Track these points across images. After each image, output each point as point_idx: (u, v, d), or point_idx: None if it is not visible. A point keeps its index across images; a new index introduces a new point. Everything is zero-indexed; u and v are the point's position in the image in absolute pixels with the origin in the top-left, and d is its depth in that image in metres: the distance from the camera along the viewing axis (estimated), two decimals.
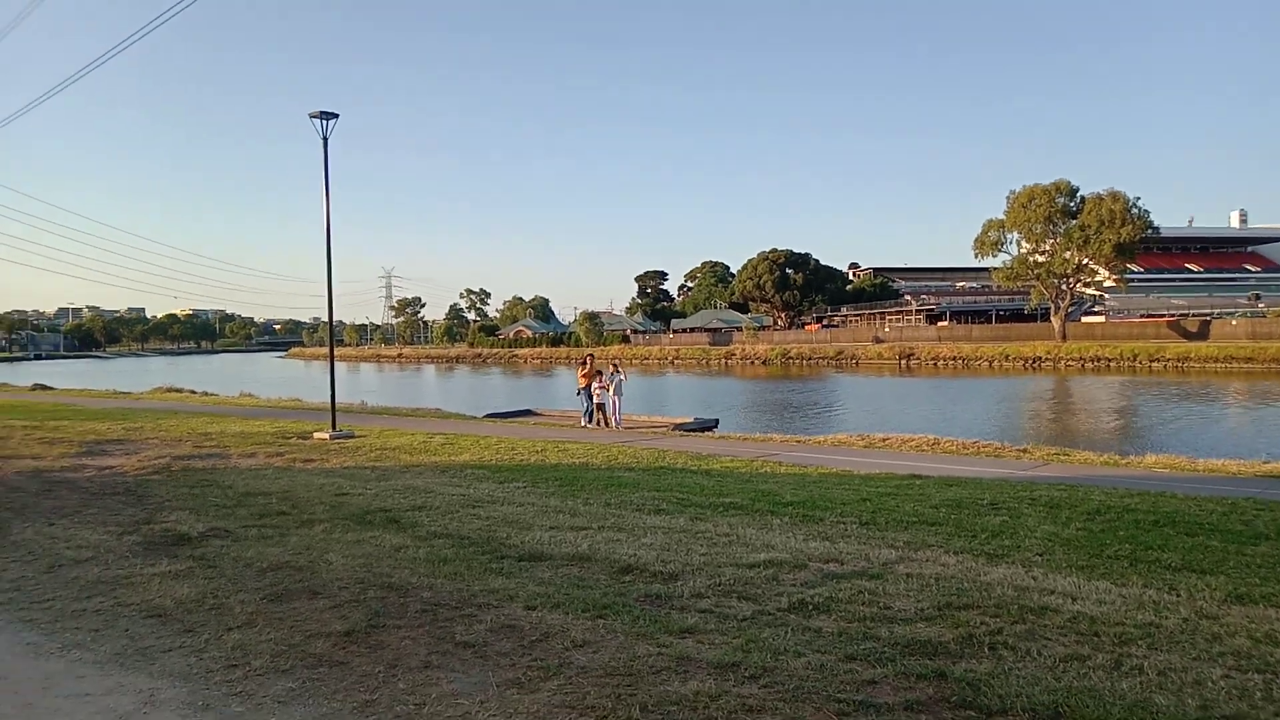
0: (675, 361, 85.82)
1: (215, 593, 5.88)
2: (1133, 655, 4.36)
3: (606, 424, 20.80)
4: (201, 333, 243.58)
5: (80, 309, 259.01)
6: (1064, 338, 66.61)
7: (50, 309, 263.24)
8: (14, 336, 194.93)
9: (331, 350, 21.83)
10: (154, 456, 13.50)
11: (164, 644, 4.91)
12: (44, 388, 42.81)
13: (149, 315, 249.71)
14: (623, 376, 21.69)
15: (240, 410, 25.30)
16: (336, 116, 17.60)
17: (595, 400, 21.20)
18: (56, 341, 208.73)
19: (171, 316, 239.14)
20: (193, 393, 36.24)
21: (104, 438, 16.25)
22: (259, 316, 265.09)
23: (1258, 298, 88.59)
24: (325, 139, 17.62)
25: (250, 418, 21.92)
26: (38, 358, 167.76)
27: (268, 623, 5.21)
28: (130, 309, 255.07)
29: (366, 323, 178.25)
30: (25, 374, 73.33)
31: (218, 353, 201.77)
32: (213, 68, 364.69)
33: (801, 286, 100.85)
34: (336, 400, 19.50)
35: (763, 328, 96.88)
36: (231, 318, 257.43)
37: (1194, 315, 74.02)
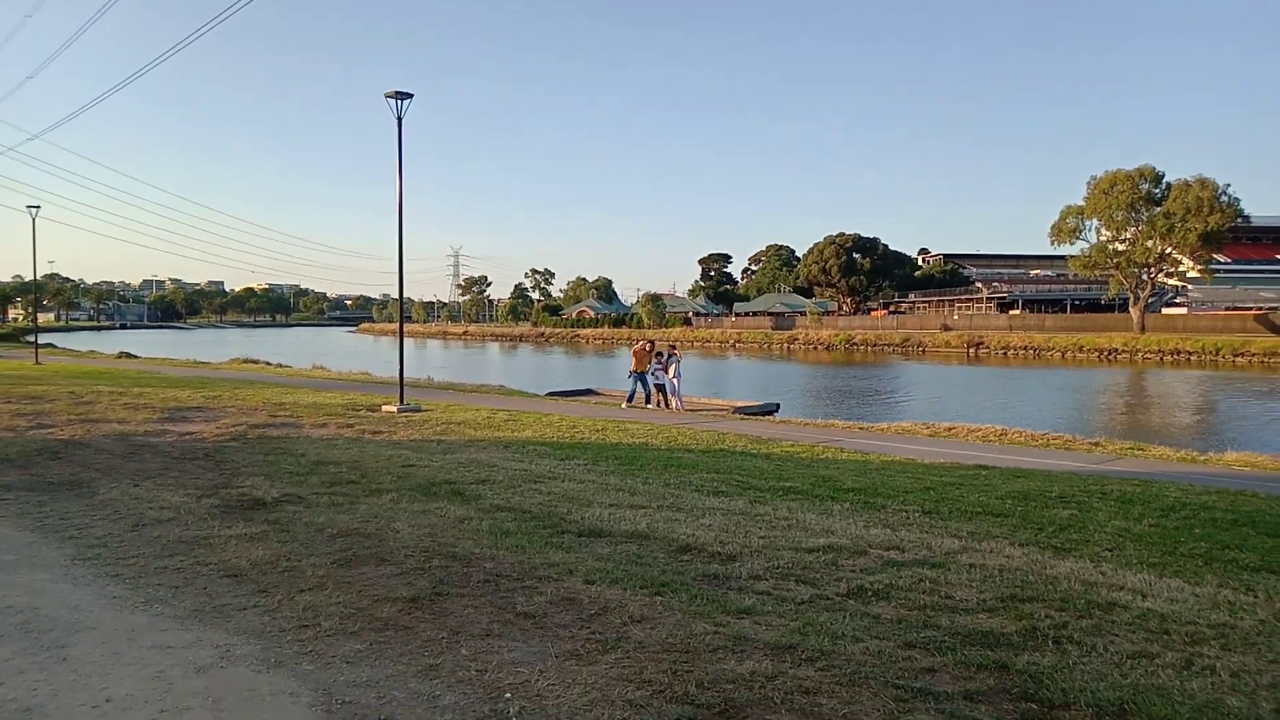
0: (736, 345, 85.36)
1: (288, 556, 6.10)
2: (1204, 655, 4.23)
3: (667, 405, 20.79)
4: (277, 306, 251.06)
5: (163, 281, 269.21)
6: (1142, 329, 64.30)
7: (135, 281, 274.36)
8: (101, 306, 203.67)
9: (401, 326, 22.30)
10: (231, 424, 14.01)
11: (239, 603, 5.12)
12: (129, 356, 44.72)
13: (227, 289, 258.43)
14: (679, 358, 21.61)
15: (312, 382, 26.05)
16: (411, 96, 17.86)
17: (654, 381, 21.18)
18: (140, 312, 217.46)
19: (249, 290, 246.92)
20: (268, 364, 37.43)
21: (184, 405, 16.90)
22: (331, 292, 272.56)
23: None
24: (400, 119, 17.91)
25: (322, 389, 22.55)
26: (123, 327, 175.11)
27: (337, 586, 5.39)
28: (210, 282, 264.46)
29: (434, 300, 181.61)
30: (111, 342, 76.64)
31: (291, 326, 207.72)
32: (295, 39, 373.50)
33: (868, 271, 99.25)
34: (404, 375, 19.94)
35: (827, 313, 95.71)
36: (305, 293, 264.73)
37: None
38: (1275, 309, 71.59)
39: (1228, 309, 77.07)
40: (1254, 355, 53.57)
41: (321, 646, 4.41)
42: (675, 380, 20.95)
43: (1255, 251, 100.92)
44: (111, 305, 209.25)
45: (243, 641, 4.50)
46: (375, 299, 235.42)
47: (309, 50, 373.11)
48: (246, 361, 39.07)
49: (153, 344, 76.90)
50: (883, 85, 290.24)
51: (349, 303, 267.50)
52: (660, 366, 21.11)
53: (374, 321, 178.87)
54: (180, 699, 3.84)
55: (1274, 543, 6.78)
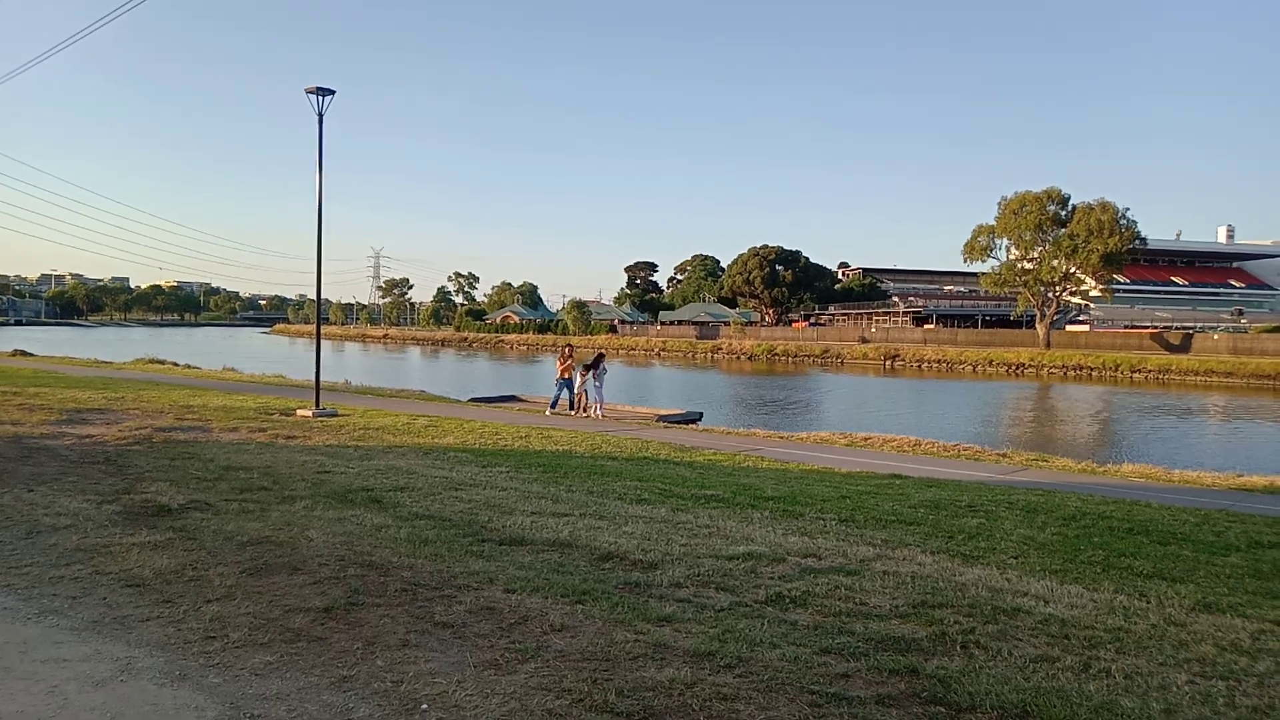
0: (662, 353, 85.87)
1: (194, 564, 5.87)
2: (1101, 658, 4.44)
3: (585, 411, 20.73)
4: (185, 305, 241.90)
5: (63, 276, 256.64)
6: (1048, 345, 67.04)
7: (32, 275, 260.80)
8: None
9: (319, 327, 21.75)
10: (135, 427, 13.43)
11: (142, 613, 4.91)
12: (24, 354, 42.43)
13: (133, 285, 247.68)
14: (604, 368, 21.60)
15: (223, 384, 25.17)
16: (333, 93, 17.47)
17: (579, 388, 21.11)
18: (38, 308, 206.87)
19: (156, 288, 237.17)
20: (175, 365, 36.01)
21: (85, 406, 16.13)
22: (244, 291, 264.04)
23: (1241, 313, 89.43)
24: (321, 115, 17.50)
25: (233, 392, 21.81)
26: (18, 323, 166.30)
27: (247, 596, 5.22)
28: (114, 278, 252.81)
29: (353, 302, 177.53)
30: (5, 339, 72.66)
31: (201, 326, 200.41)
32: (208, 42, 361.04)
33: (790, 284, 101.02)
34: (321, 378, 19.43)
35: (750, 323, 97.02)
36: (216, 291, 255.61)
37: (1177, 328, 74.64)
38: (1169, 328, 75.56)
39: (1127, 327, 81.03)
40: (1150, 371, 56.44)
41: (229, 658, 4.26)
42: (598, 387, 20.88)
43: (1152, 273, 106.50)
44: (5, 300, 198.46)
45: (145, 654, 4.31)
46: (291, 299, 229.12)
47: (223, 35, 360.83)
48: (152, 362, 37.49)
49: (51, 342, 73.11)
50: (809, 101, 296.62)
51: (263, 303, 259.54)
52: (584, 374, 21.03)
53: (289, 323, 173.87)
54: (76, 714, 3.67)
55: (1165, 550, 7.15)
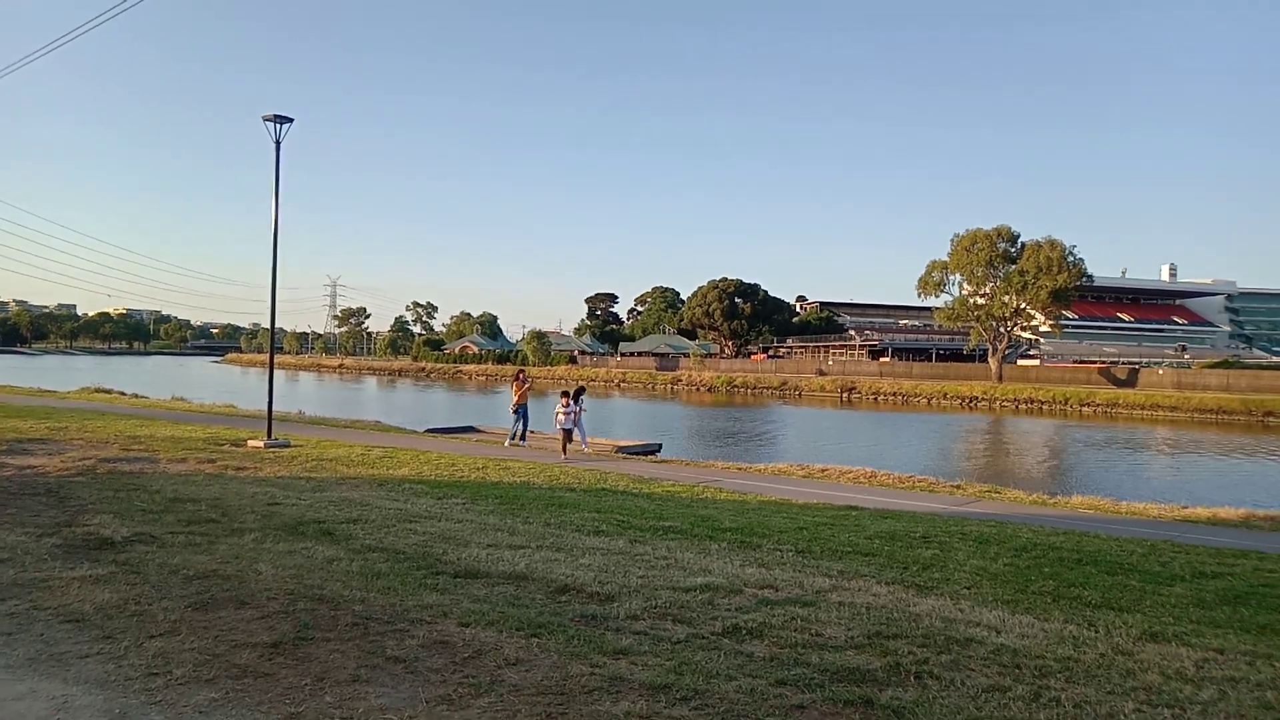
0: (621, 384, 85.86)
1: (138, 599, 5.71)
2: (1051, 688, 4.49)
3: (565, 448, 18.24)
4: (134, 333, 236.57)
5: (6, 303, 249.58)
6: (1000, 379, 68.37)
7: None
8: None
9: (272, 356, 21.44)
10: (78, 458, 13.06)
11: (81, 650, 4.75)
12: None
13: (80, 313, 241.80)
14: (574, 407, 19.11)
15: (171, 414, 24.61)
16: (290, 121, 17.39)
17: (561, 425, 18.48)
18: None
19: (103, 315, 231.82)
20: (122, 394, 35.17)
21: (25, 436, 15.66)
22: (195, 319, 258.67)
23: (1184, 349, 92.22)
24: (278, 142, 17.39)
25: (182, 422, 21.33)
26: None
27: (192, 631, 5.08)
28: (60, 305, 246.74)
29: (308, 331, 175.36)
30: None
31: (150, 354, 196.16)
32: (159, 71, 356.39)
33: (749, 316, 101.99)
34: (273, 408, 19.10)
35: (709, 355, 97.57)
36: (167, 319, 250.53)
37: (1124, 363, 76.70)
38: (1116, 363, 77.61)
39: (1076, 362, 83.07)
40: (1098, 405, 57.78)
41: (172, 696, 4.14)
42: (569, 419, 19.17)
43: (1099, 309, 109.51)
44: None
45: (83, 692, 4.17)
46: (244, 328, 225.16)
47: (175, 66, 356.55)
48: (98, 391, 36.54)
49: None
50: (768, 134, 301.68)
51: (215, 331, 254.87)
52: (567, 411, 18.52)
53: (242, 352, 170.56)
54: None
55: (1114, 580, 7.29)
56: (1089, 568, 7.77)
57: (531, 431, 21.39)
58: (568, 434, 18.20)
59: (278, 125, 17.28)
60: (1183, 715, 4.17)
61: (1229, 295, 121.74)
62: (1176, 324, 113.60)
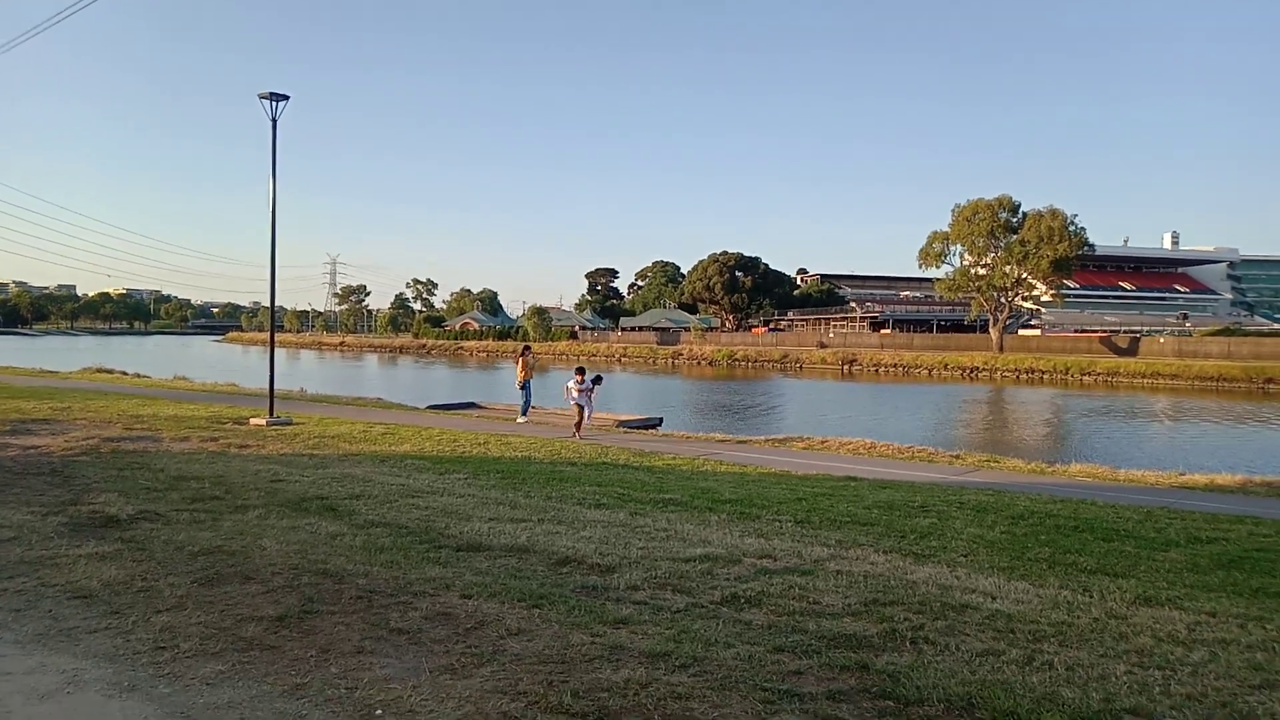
0: (622, 359, 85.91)
1: (144, 575, 5.78)
2: (1045, 651, 4.57)
3: (581, 425, 17.33)
4: (135, 313, 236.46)
5: (6, 284, 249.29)
6: (1001, 349, 68.36)
7: None
8: None
9: (272, 334, 21.48)
10: (82, 437, 13.14)
11: (89, 625, 4.83)
12: None
13: (80, 293, 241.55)
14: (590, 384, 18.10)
15: (174, 394, 24.69)
16: (287, 98, 17.28)
17: (573, 401, 17.54)
18: None
19: (104, 295, 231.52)
20: (124, 374, 35.23)
21: (29, 416, 15.74)
22: (196, 299, 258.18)
23: (1185, 317, 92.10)
24: (274, 120, 17.30)
25: (184, 401, 21.40)
26: None
27: (198, 606, 5.16)
28: (60, 286, 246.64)
29: (309, 309, 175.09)
30: None
31: (151, 334, 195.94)
32: (158, 47, 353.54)
33: (750, 290, 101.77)
34: (275, 386, 19.16)
35: (710, 329, 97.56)
36: (167, 299, 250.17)
37: (1125, 332, 76.62)
38: (1117, 332, 77.55)
39: (1076, 331, 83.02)
40: (1099, 374, 57.83)
41: (180, 668, 4.21)
42: (584, 395, 18.56)
43: (1101, 278, 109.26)
44: None
45: (92, 665, 4.25)
46: (244, 307, 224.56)
47: (173, 35, 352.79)
48: (100, 371, 36.59)
49: None
50: (768, 108, 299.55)
51: (216, 310, 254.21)
52: (581, 389, 17.56)
53: (243, 330, 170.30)
54: None
55: (1108, 546, 7.36)
56: (1085, 534, 7.84)
57: (534, 407, 21.45)
58: (581, 410, 17.32)
59: (274, 103, 17.17)
60: (1173, 676, 4.24)
61: (1231, 263, 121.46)
62: (1178, 292, 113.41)
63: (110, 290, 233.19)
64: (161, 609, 5.10)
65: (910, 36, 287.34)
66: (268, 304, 24.32)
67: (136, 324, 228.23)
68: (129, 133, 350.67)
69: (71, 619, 4.94)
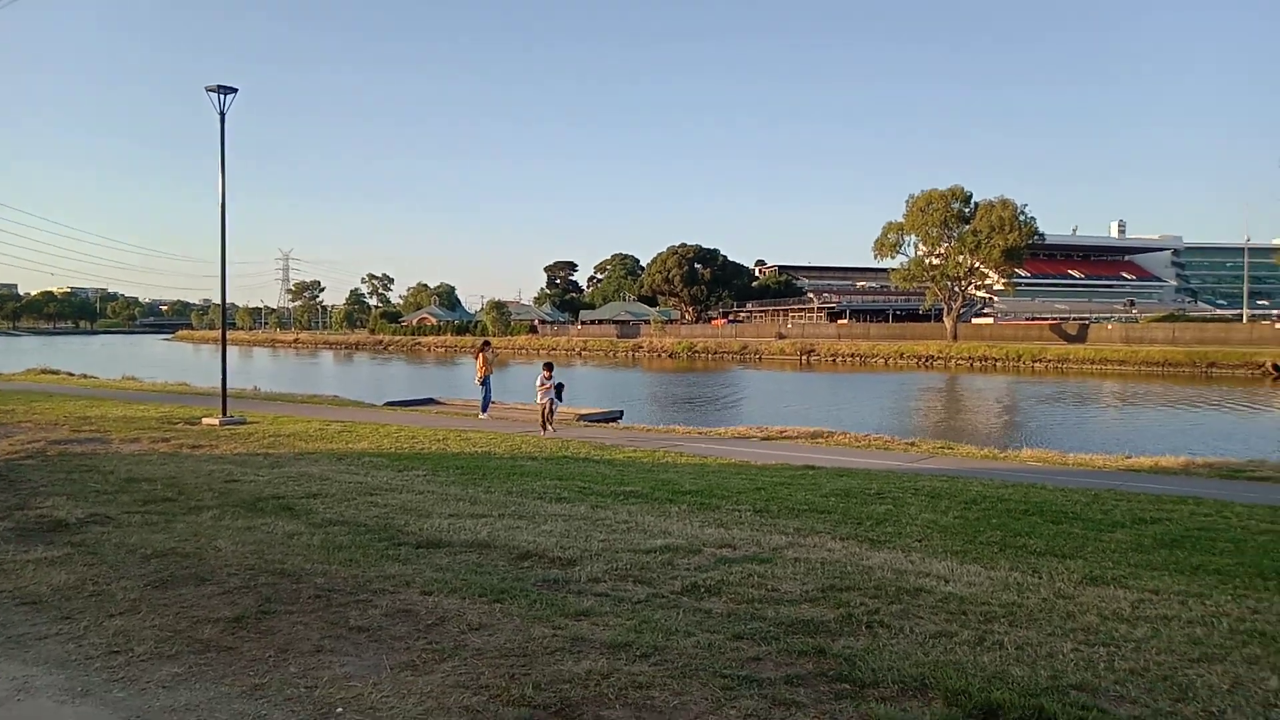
0: (583, 353, 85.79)
1: (95, 580, 5.68)
2: (995, 632, 4.69)
3: (546, 426, 17.11)
4: (80, 312, 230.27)
5: None
6: (955, 338, 69.52)
7: None
8: None
9: (224, 331, 21.12)
10: (27, 440, 12.81)
11: (39, 631, 4.74)
12: None
13: (22, 292, 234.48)
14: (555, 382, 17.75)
15: (123, 394, 24.14)
16: (235, 91, 16.97)
17: (540, 399, 17.32)
18: None
19: (47, 294, 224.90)
20: (70, 374, 34.35)
21: None
22: (144, 297, 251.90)
23: (1132, 304, 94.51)
24: (223, 114, 16.97)
25: (133, 402, 20.95)
26: None
27: (152, 609, 5.08)
28: (1, 285, 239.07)
29: (262, 306, 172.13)
30: None
31: (98, 333, 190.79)
32: (100, 37, 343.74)
33: (709, 282, 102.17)
34: (228, 385, 18.84)
35: (670, 321, 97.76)
36: (114, 297, 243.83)
37: (1074, 319, 78.42)
38: (1067, 319, 79.28)
39: (1028, 319, 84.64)
40: (1050, 361, 59.11)
41: (134, 672, 4.16)
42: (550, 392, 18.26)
43: (1051, 266, 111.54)
44: None
45: (43, 672, 4.17)
46: (195, 304, 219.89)
47: (118, 28, 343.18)
48: (45, 371, 35.62)
49: None
50: (723, 98, 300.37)
51: (164, 308, 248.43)
52: (545, 386, 17.30)
53: (193, 329, 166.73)
54: None
55: (1057, 529, 7.57)
56: (1035, 518, 8.04)
57: (494, 402, 21.35)
58: (549, 405, 17.17)
59: (221, 96, 16.85)
60: (1117, 653, 4.39)
61: (1175, 250, 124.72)
62: (1125, 279, 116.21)
63: (54, 289, 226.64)
64: (114, 613, 5.02)
65: (862, 22, 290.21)
66: (219, 301, 23.89)
67: (82, 323, 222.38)
68: (71, 127, 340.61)
69: (20, 625, 4.84)
